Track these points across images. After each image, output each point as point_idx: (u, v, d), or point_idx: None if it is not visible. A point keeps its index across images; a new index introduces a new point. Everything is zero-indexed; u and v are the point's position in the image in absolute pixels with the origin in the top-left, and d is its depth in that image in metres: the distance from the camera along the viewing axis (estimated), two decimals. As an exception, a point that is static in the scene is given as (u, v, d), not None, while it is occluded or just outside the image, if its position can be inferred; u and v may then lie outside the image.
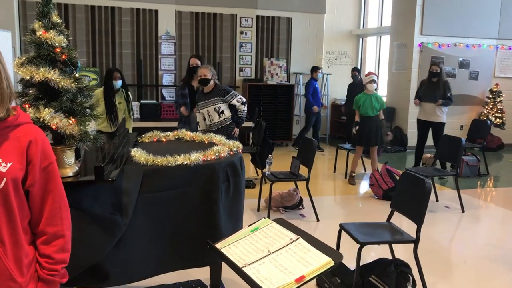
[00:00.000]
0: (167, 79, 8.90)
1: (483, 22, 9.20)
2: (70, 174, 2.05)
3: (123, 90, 5.21)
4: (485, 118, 9.17)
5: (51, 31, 1.91)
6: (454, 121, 9.32)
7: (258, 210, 5.24)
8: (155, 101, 8.63)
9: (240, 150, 2.93)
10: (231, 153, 2.82)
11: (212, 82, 5.01)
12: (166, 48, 8.84)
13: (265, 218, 2.16)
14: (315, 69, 8.76)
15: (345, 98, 9.36)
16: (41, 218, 1.56)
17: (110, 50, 8.52)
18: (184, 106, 5.21)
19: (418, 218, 3.18)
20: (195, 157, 2.52)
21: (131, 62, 8.66)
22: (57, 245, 1.57)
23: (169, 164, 2.42)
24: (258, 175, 6.81)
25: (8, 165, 1.45)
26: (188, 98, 5.16)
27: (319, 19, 9.86)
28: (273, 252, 1.86)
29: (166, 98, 8.86)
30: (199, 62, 5.09)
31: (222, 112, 5.01)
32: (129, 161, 2.47)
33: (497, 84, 9.34)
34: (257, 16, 9.31)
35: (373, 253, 4.06)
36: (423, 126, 7.03)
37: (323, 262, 1.74)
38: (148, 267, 2.41)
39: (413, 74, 8.98)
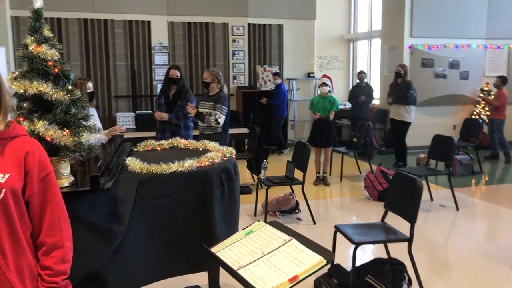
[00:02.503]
0: (161, 89, 8.94)
1: (471, 23, 9.31)
2: (66, 184, 2.09)
3: None
4: (477, 117, 9.25)
5: (43, 45, 1.96)
6: (447, 121, 9.41)
7: (255, 215, 5.28)
8: (150, 111, 8.66)
9: (234, 156, 2.98)
10: (225, 159, 2.87)
11: (215, 86, 5.12)
12: (160, 58, 8.91)
13: (259, 221, 2.20)
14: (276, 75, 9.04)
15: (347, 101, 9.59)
16: (41, 229, 1.58)
17: (104, 62, 8.57)
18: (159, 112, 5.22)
19: (411, 217, 3.23)
20: (189, 163, 2.56)
21: (125, 73, 8.72)
22: (57, 256, 1.58)
23: (164, 172, 2.47)
24: (254, 180, 6.85)
25: (6, 176, 1.49)
26: (164, 107, 5.16)
27: (309, 25, 9.95)
28: (267, 254, 1.90)
29: (161, 108, 8.90)
30: (178, 74, 5.12)
31: (209, 115, 5.04)
32: (124, 170, 2.52)
33: (488, 83, 9.44)
34: (249, 24, 9.40)
35: (370, 253, 4.11)
36: (393, 125, 7.56)
37: (315, 261, 1.79)
38: (146, 274, 2.45)
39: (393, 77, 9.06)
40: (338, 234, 3.48)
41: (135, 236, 2.35)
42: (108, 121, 8.61)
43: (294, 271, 1.76)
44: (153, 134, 7.22)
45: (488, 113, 9.05)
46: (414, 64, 8.94)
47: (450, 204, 5.60)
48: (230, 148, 3.02)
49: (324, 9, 10.35)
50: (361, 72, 9.44)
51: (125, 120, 8.11)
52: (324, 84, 6.52)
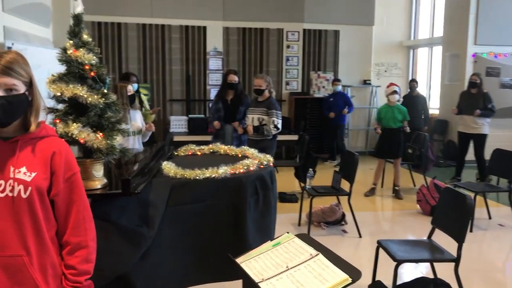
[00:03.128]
0: (215, 93, 9.03)
1: (543, 29, 8.71)
2: (99, 186, 2.12)
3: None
4: (546, 131, 8.61)
5: (81, 49, 2.01)
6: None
7: (299, 224, 5.18)
8: (203, 115, 8.80)
9: (271, 164, 2.93)
10: (261, 166, 2.82)
11: (266, 93, 5.13)
12: (214, 63, 9.03)
13: (288, 233, 2.13)
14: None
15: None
16: (66, 228, 1.61)
17: (161, 67, 8.80)
18: (217, 121, 5.31)
19: (459, 236, 3.03)
20: (223, 170, 2.54)
21: (180, 77, 8.90)
22: (81, 255, 1.61)
23: (197, 177, 2.46)
24: (301, 189, 6.74)
25: (33, 174, 1.53)
26: (222, 112, 5.25)
27: (367, 31, 9.72)
28: (291, 268, 1.83)
29: (214, 112, 9.02)
30: (237, 79, 5.19)
31: (265, 124, 5.07)
32: (159, 174, 2.53)
33: (560, 94, 8.77)
34: (304, 30, 9.32)
35: (414, 271, 3.90)
36: (463, 138, 7.02)
37: (340, 279, 1.70)
38: (175, 279, 2.44)
39: (466, 86, 8.60)
40: (381, 249, 3.32)
41: (165, 241, 2.35)
42: (163, 124, 8.84)
43: (317, 288, 1.68)
44: (205, 138, 7.36)
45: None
46: (477, 73, 8.47)
47: (510, 224, 5.23)
48: (268, 156, 2.97)
49: (383, 14, 10.07)
50: (413, 81, 9.04)
51: (178, 124, 8.28)
52: (395, 92, 6.27)
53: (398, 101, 6.32)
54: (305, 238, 2.06)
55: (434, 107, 10.00)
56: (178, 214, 2.40)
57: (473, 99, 6.77)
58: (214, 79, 8.99)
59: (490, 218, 5.45)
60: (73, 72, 1.98)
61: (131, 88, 4.28)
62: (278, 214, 5.04)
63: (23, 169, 1.51)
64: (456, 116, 8.48)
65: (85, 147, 2.03)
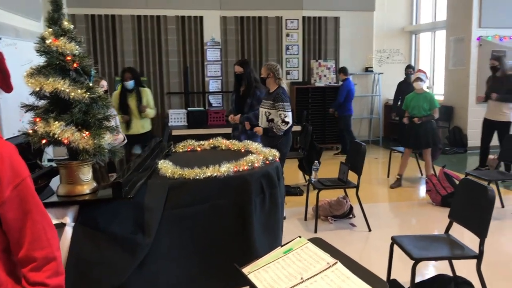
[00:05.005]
0: (214, 85, 8.82)
1: (550, 10, 8.45)
2: (87, 191, 1.91)
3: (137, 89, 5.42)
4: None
5: (62, 38, 1.78)
6: (520, 119, 8.60)
7: (305, 219, 4.97)
8: (202, 108, 8.57)
9: (277, 159, 2.71)
10: (267, 162, 2.61)
11: (273, 81, 4.71)
12: (212, 54, 8.77)
13: (300, 237, 1.91)
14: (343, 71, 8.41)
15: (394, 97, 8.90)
16: (23, 243, 1.39)
17: (157, 59, 8.55)
18: (232, 114, 5.13)
19: (481, 231, 2.81)
20: (226, 168, 2.32)
21: (178, 69, 8.65)
22: (50, 269, 1.41)
23: (197, 177, 2.24)
24: (306, 181, 6.53)
25: None
26: (234, 104, 5.09)
27: (368, 17, 9.45)
28: (306, 280, 1.61)
29: (213, 105, 8.79)
30: (241, 69, 4.95)
31: (272, 120, 4.70)
32: (156, 174, 2.31)
33: None
34: (303, 17, 9.05)
35: (432, 267, 3.69)
36: (488, 125, 6.59)
37: (363, 292, 1.48)
38: (176, 289, 2.23)
39: (472, 70, 8.37)
40: (395, 246, 3.11)
41: (164, 248, 2.13)
42: (161, 118, 8.61)
43: (338, 303, 1.47)
44: (205, 131, 7.15)
45: None
46: (482, 57, 8.22)
47: (524, 212, 5.03)
48: (274, 151, 2.75)
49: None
50: (409, 67, 8.76)
51: (177, 117, 8.05)
52: (419, 79, 5.95)
53: (427, 88, 6.02)
54: (320, 243, 1.85)
55: (438, 93, 9.77)
56: (178, 218, 2.18)
57: (497, 83, 6.35)
58: (213, 71, 8.75)
59: (503, 207, 5.24)
60: (53, 63, 1.76)
61: (105, 83, 4.07)
62: (283, 208, 4.88)
63: None
64: (464, 102, 8.29)
65: (70, 148, 1.81)
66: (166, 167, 2.31)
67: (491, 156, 7.00)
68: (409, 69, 8.70)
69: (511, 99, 6.28)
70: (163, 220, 2.12)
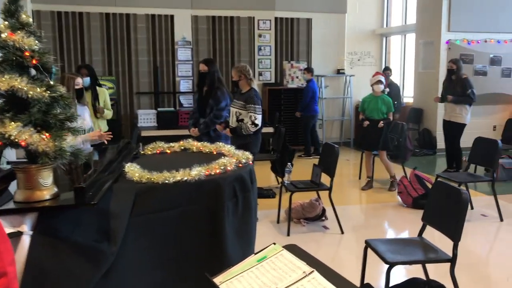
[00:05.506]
0: (185, 85, 8.67)
1: (515, 16, 8.67)
2: (48, 197, 1.77)
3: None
4: (520, 117, 8.62)
5: (19, 32, 1.64)
6: (487, 121, 8.80)
7: (277, 222, 4.91)
8: (172, 109, 8.41)
9: (251, 162, 2.62)
10: (240, 165, 2.52)
11: (245, 83, 4.73)
12: (183, 54, 8.62)
13: (274, 244, 1.83)
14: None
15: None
16: None
17: (126, 58, 8.34)
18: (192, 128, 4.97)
19: (454, 234, 2.80)
20: (197, 171, 2.22)
21: (148, 69, 8.46)
22: (0, 285, 1.30)
23: (167, 181, 2.13)
24: (279, 183, 6.47)
25: None
26: (197, 104, 4.96)
27: (340, 19, 9.48)
28: (281, 289, 1.53)
29: (184, 105, 8.63)
30: (206, 68, 4.82)
31: (242, 120, 4.69)
32: (122, 178, 2.19)
33: (532, 81, 8.78)
34: (276, 18, 9.00)
35: (404, 271, 3.68)
36: (446, 126, 6.91)
37: (342, 304, 1.41)
38: (144, 300, 2.11)
39: (441, 73, 8.47)
40: (369, 249, 3.08)
41: (131, 257, 2.01)
42: (130, 119, 8.41)
43: (315, 315, 1.40)
44: (175, 132, 6.99)
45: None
46: (451, 60, 8.36)
47: (492, 214, 5.09)
48: (247, 153, 2.66)
49: (356, 2, 9.85)
50: (387, 69, 8.88)
51: (146, 118, 7.88)
52: (379, 81, 5.98)
53: (383, 91, 6.07)
54: (296, 250, 1.77)
55: (408, 95, 9.90)
56: (146, 224, 2.07)
57: (451, 86, 6.65)
58: (184, 70, 8.60)
59: (472, 208, 5.30)
60: (10, 59, 1.62)
61: (81, 81, 3.88)
62: (255, 211, 4.79)
63: None
64: (433, 104, 8.39)
65: (28, 150, 1.68)
66: (133, 170, 2.19)
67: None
68: (387, 70, 8.80)
69: (465, 101, 6.59)
70: (130, 227, 2.00)
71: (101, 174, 2.08)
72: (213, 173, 2.29)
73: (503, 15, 8.58)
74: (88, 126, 3.84)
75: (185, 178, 2.16)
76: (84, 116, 3.81)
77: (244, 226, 2.39)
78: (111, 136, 3.70)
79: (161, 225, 2.10)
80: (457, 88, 6.57)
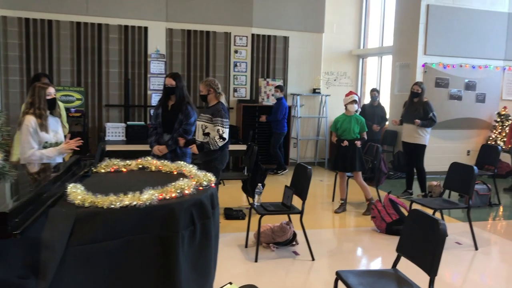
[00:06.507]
0: (156, 99, 8.35)
1: (490, 43, 8.74)
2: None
3: None
4: (493, 142, 8.62)
5: None
6: (461, 146, 8.80)
7: (246, 246, 4.65)
8: (142, 123, 8.11)
9: (213, 185, 2.38)
10: (200, 188, 2.28)
11: (213, 97, 4.64)
12: (156, 67, 8.37)
13: (231, 283, 1.60)
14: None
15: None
16: None
17: (96, 69, 8.03)
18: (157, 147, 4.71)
19: (431, 269, 2.61)
20: (148, 195, 1.97)
21: (118, 81, 8.17)
22: None
23: (112, 206, 1.87)
24: (249, 204, 6.23)
25: None
26: (161, 119, 4.71)
27: (317, 38, 9.41)
28: None
29: (155, 120, 8.33)
30: (173, 82, 4.62)
31: (208, 134, 4.56)
32: (62, 201, 1.92)
33: (505, 107, 8.83)
34: (253, 35, 8.87)
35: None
36: (407, 148, 6.91)
37: None
38: None
39: (409, 96, 8.45)
40: (340, 282, 2.86)
41: (65, 293, 1.74)
42: (97, 132, 8.07)
43: None
44: (143, 147, 6.68)
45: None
46: (427, 83, 8.29)
47: (467, 242, 4.95)
48: (209, 175, 2.42)
49: (333, 22, 9.82)
50: (374, 90, 8.84)
51: (115, 131, 7.55)
52: (354, 101, 5.84)
53: (356, 111, 5.94)
54: (253, 293, 1.53)
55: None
56: (85, 256, 1.80)
57: (414, 109, 6.65)
58: (156, 84, 8.34)
59: (447, 235, 5.14)
60: None
61: (53, 91, 3.61)
62: (223, 233, 4.50)
63: None
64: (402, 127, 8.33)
65: None
66: (75, 192, 1.92)
67: (433, 182, 7.03)
68: (373, 92, 8.75)
69: (429, 124, 6.64)
70: (66, 258, 1.73)
71: (36, 196, 1.81)
72: (167, 197, 2.04)
73: (478, 41, 8.65)
74: (61, 139, 3.64)
75: (134, 203, 1.91)
76: (57, 129, 3.60)
77: (201, 258, 2.14)
78: (81, 142, 3.58)
79: (103, 257, 1.83)
80: (419, 111, 6.60)
